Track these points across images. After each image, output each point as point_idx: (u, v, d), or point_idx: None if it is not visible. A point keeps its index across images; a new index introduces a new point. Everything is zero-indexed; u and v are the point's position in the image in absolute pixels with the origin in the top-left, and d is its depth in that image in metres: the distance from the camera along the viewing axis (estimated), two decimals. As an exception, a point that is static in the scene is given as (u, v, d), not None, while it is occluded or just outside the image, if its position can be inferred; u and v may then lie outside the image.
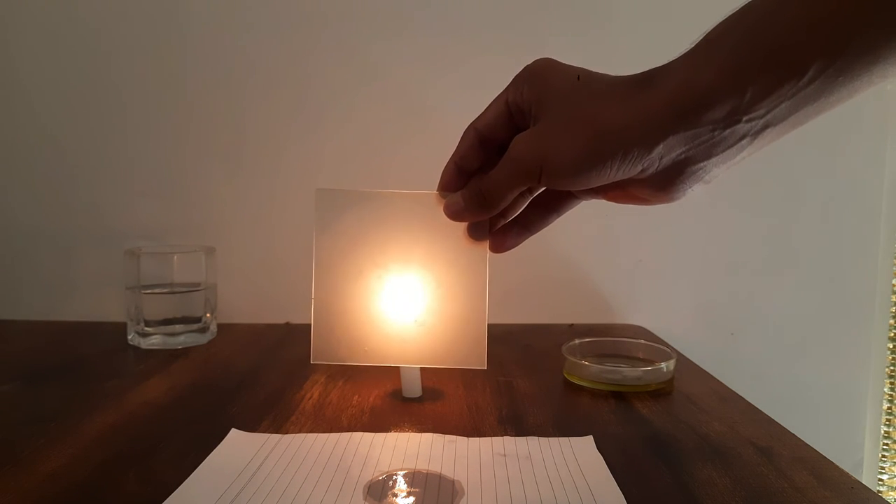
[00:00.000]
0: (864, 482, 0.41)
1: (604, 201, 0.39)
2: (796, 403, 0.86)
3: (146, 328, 0.69)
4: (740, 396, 0.56)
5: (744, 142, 0.31)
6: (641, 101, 0.31)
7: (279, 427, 0.48)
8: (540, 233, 0.42)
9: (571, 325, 0.83)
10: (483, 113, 0.39)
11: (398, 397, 0.54)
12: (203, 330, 0.72)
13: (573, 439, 0.45)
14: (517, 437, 0.46)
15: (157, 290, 0.70)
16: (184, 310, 0.71)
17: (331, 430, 0.47)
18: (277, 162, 0.83)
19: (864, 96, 0.29)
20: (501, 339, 0.73)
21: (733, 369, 0.71)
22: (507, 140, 0.36)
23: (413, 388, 0.54)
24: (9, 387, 0.57)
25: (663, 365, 0.57)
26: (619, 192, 0.37)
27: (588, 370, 0.57)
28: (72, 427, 0.47)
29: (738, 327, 0.86)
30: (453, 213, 0.40)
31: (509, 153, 0.36)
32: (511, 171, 0.35)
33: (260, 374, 0.61)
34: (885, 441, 0.87)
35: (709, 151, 0.31)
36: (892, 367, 0.87)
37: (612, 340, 0.65)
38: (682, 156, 0.32)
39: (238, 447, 0.43)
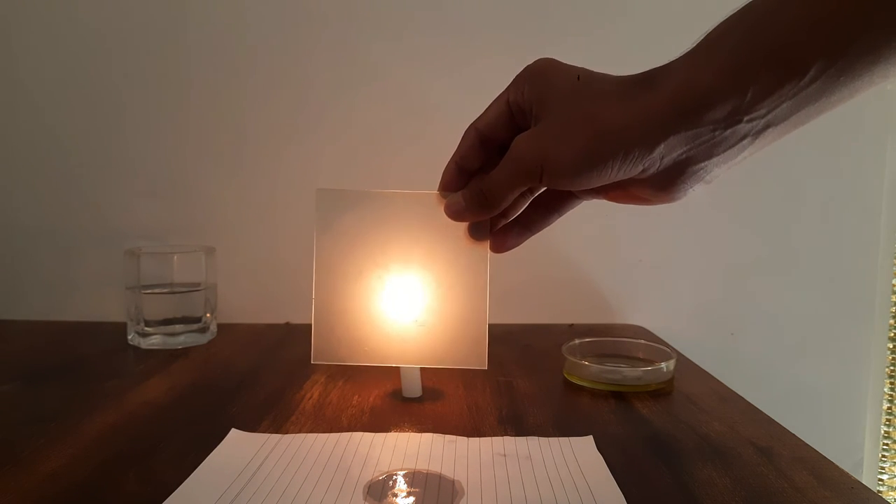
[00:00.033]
0: (864, 482, 0.41)
1: (604, 201, 0.39)
2: (796, 403, 0.86)
3: (146, 328, 0.69)
4: (740, 396, 0.56)
5: (745, 142, 0.31)
6: (642, 101, 0.31)
7: (279, 427, 0.48)
8: (540, 232, 0.42)
9: (571, 325, 0.83)
10: (484, 113, 0.39)
11: (398, 397, 0.54)
12: (203, 330, 0.72)
13: (573, 439, 0.45)
14: (517, 437, 0.46)
15: (157, 290, 0.70)
16: (184, 310, 0.71)
17: (331, 430, 0.47)
18: (278, 162, 0.83)
19: (864, 96, 0.29)
20: (501, 339, 0.73)
21: (733, 369, 0.71)
22: (507, 140, 0.36)
23: (413, 388, 0.54)
24: (9, 387, 0.57)
25: (663, 365, 0.57)
26: (620, 192, 0.37)
27: (588, 370, 0.57)
28: (72, 427, 0.47)
29: (738, 327, 0.86)
30: (454, 213, 0.40)
31: (510, 153, 0.36)
32: (512, 171, 0.35)
33: (260, 374, 0.61)
34: (885, 441, 0.87)
35: (710, 151, 0.31)
36: (892, 367, 0.87)
37: (612, 340, 0.65)
38: (684, 156, 0.32)
39: (238, 447, 0.43)
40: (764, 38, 0.28)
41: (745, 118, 0.30)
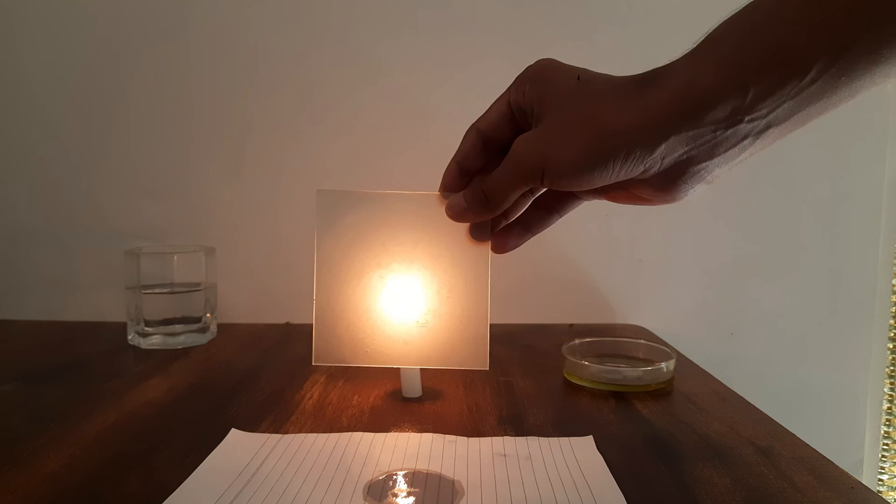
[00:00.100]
0: (864, 482, 0.41)
1: (605, 201, 0.39)
2: (796, 403, 0.86)
3: (146, 328, 0.69)
4: (740, 396, 0.56)
5: (746, 142, 0.31)
6: (643, 102, 0.31)
7: (279, 427, 0.48)
8: (541, 232, 0.42)
9: (571, 325, 0.83)
10: (485, 113, 0.39)
11: (398, 397, 0.54)
12: (203, 330, 0.72)
13: (573, 439, 0.45)
14: (517, 438, 0.46)
15: (157, 290, 0.70)
16: (184, 310, 0.71)
17: (331, 430, 0.47)
18: (279, 162, 0.83)
19: (864, 96, 0.29)
20: (501, 339, 0.73)
21: (733, 369, 0.71)
22: (509, 140, 0.36)
23: (413, 388, 0.54)
24: (9, 387, 0.57)
25: (663, 365, 0.57)
26: (622, 192, 0.37)
27: (588, 370, 0.57)
28: (72, 427, 0.47)
29: (738, 327, 0.86)
30: (455, 214, 0.40)
31: (511, 154, 0.36)
32: (513, 171, 0.35)
33: (260, 374, 0.61)
34: (885, 441, 0.87)
35: (711, 151, 0.31)
36: (892, 367, 0.87)
37: (612, 340, 0.65)
38: (685, 156, 0.32)
39: (238, 447, 0.43)
40: (765, 38, 0.28)
41: (747, 118, 0.30)
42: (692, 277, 0.86)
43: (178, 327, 0.70)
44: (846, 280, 0.86)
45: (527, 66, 0.37)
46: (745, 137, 0.31)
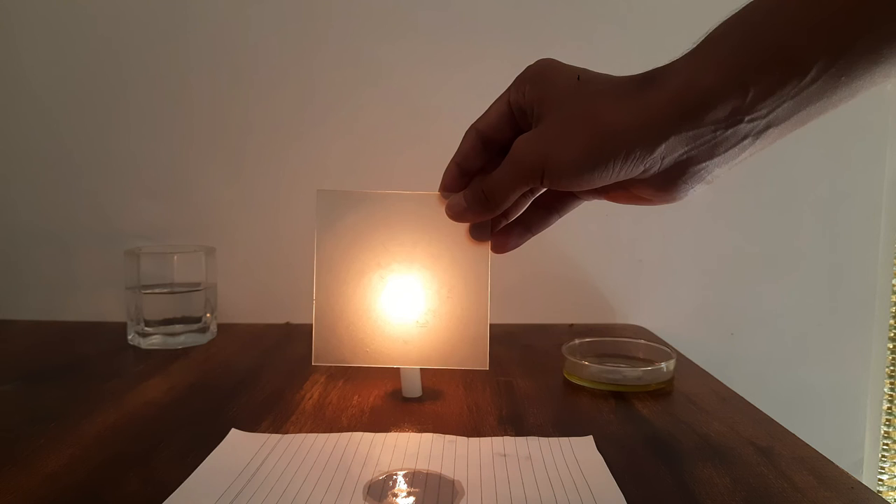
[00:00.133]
0: (864, 482, 0.41)
1: (605, 201, 0.39)
2: (796, 403, 0.86)
3: (146, 328, 0.69)
4: (740, 396, 0.56)
5: (746, 142, 0.31)
6: (644, 102, 0.31)
7: (279, 427, 0.48)
8: (541, 232, 0.42)
9: (571, 325, 0.83)
10: (485, 113, 0.39)
11: (398, 397, 0.54)
12: (203, 330, 0.72)
13: (573, 439, 0.45)
14: (517, 438, 0.46)
15: (157, 290, 0.70)
16: (184, 310, 0.71)
17: (331, 430, 0.47)
18: (279, 162, 0.83)
19: (864, 96, 0.29)
20: (501, 339, 0.73)
21: (733, 369, 0.71)
22: (509, 141, 0.36)
23: (413, 388, 0.54)
24: (9, 387, 0.57)
25: (663, 365, 0.57)
26: (622, 192, 0.37)
27: (588, 370, 0.57)
28: (72, 427, 0.47)
29: (738, 327, 0.86)
30: (455, 214, 0.40)
31: (511, 154, 0.36)
32: (513, 172, 0.35)
33: (260, 374, 0.61)
34: (885, 441, 0.87)
35: (711, 151, 0.31)
36: (892, 367, 0.87)
37: (612, 340, 0.65)
38: (685, 156, 0.32)
39: (238, 447, 0.43)
40: (765, 38, 0.28)
41: (746, 118, 0.30)
42: (692, 277, 0.86)
43: (178, 327, 0.70)
44: (846, 280, 0.86)
45: (527, 66, 0.37)
46: (744, 137, 0.31)
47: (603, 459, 0.42)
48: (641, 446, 0.45)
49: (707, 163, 0.32)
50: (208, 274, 0.73)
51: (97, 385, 0.57)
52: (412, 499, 0.37)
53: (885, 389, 0.87)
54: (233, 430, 0.46)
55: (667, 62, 0.32)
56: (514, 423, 0.49)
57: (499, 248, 0.42)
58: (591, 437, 0.45)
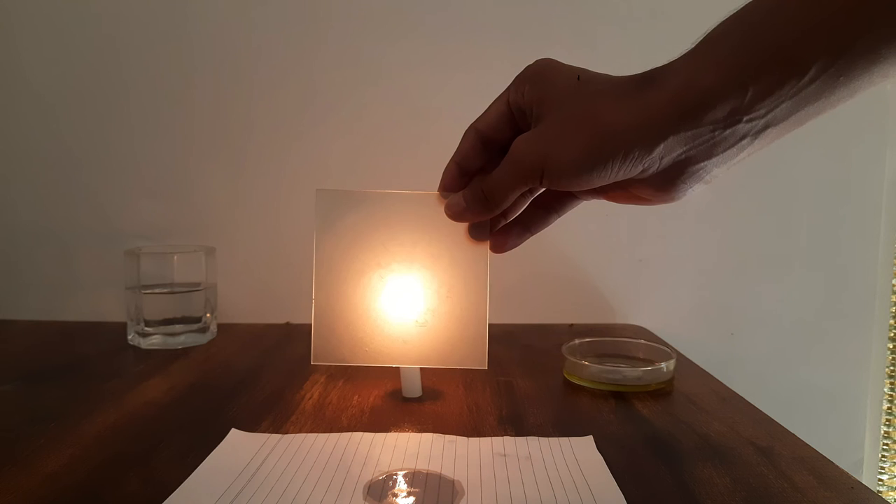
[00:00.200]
0: (864, 482, 0.41)
1: (604, 201, 0.39)
2: (796, 403, 0.86)
3: (146, 328, 0.69)
4: (740, 396, 0.56)
5: (744, 142, 0.31)
6: (643, 102, 0.31)
7: (279, 427, 0.48)
8: (540, 232, 0.42)
9: (571, 325, 0.83)
10: (484, 113, 0.39)
11: (398, 397, 0.54)
12: (203, 330, 0.72)
13: (573, 439, 0.45)
14: (517, 437, 0.46)
15: (157, 290, 0.70)
16: (184, 310, 0.71)
17: (331, 430, 0.47)
18: (279, 162, 0.83)
19: (864, 96, 0.29)
20: (501, 339, 0.73)
21: (733, 369, 0.71)
22: (508, 140, 0.36)
23: (413, 387, 0.54)
24: (9, 387, 0.57)
25: (663, 365, 0.57)
26: (621, 192, 0.37)
27: (588, 370, 0.57)
28: (72, 427, 0.47)
29: (738, 327, 0.86)
30: (455, 214, 0.40)
31: (510, 154, 0.36)
32: (512, 171, 0.35)
33: (260, 374, 0.61)
34: (885, 441, 0.87)
35: (709, 151, 0.31)
36: (892, 367, 0.87)
37: (612, 340, 0.65)
38: (683, 156, 0.32)
39: (238, 447, 0.43)
40: (764, 38, 0.28)
41: (745, 118, 0.30)
42: (692, 277, 0.86)
43: (178, 327, 0.70)
44: (846, 280, 0.86)
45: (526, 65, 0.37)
46: (743, 137, 0.31)
47: (603, 459, 0.42)
48: (641, 446, 0.45)
49: (705, 163, 0.32)
50: (208, 274, 0.73)
51: (97, 385, 0.57)
52: (412, 499, 0.37)
53: (885, 389, 0.87)
54: (233, 430, 0.46)
55: (666, 62, 0.32)
56: (514, 423, 0.49)
57: (498, 248, 0.42)
58: (591, 437, 0.45)
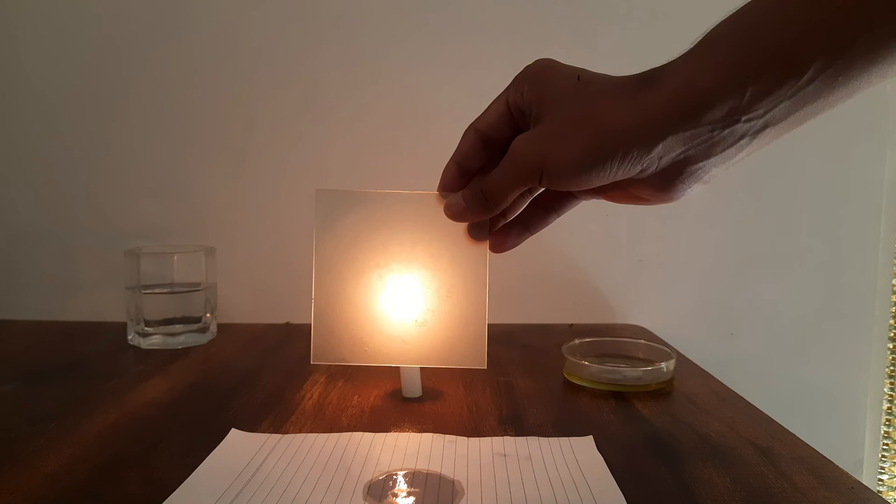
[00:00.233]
0: (864, 482, 0.41)
1: (604, 201, 0.39)
2: (796, 403, 0.86)
3: (146, 328, 0.69)
4: (740, 396, 0.56)
5: (743, 141, 0.31)
6: (642, 102, 0.31)
7: (279, 427, 0.48)
8: (540, 232, 0.42)
9: (571, 325, 0.83)
10: (483, 113, 0.39)
11: (398, 397, 0.54)
12: (203, 330, 0.72)
13: (573, 439, 0.45)
14: (517, 437, 0.46)
15: (157, 290, 0.70)
16: (184, 310, 0.71)
17: (331, 430, 0.47)
18: (279, 162, 0.83)
19: (864, 96, 0.29)
20: (501, 338, 0.73)
21: (733, 369, 0.71)
22: (507, 140, 0.36)
23: (413, 388, 0.54)
24: (9, 387, 0.57)
25: (663, 365, 0.57)
26: (619, 192, 0.37)
27: (588, 370, 0.57)
28: (72, 427, 0.47)
29: (738, 327, 0.86)
30: (454, 214, 0.41)
31: (510, 154, 0.36)
32: (512, 171, 0.35)
33: (260, 374, 0.61)
34: (885, 441, 0.87)
35: (708, 151, 0.31)
36: (892, 367, 0.87)
37: (612, 340, 0.65)
38: (682, 156, 0.32)
39: (238, 447, 0.43)
40: (763, 38, 0.28)
41: (743, 118, 0.30)
42: (692, 277, 0.86)
43: (178, 327, 0.70)
44: (846, 280, 0.86)
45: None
46: (741, 137, 0.31)
47: (603, 459, 0.42)
48: (641, 446, 0.45)
49: (704, 162, 0.32)
50: (208, 274, 0.73)
51: (97, 385, 0.57)
52: (412, 499, 0.37)
53: (885, 389, 0.87)
54: (233, 430, 0.46)
55: (666, 62, 0.32)
56: (514, 423, 0.49)
57: (497, 248, 0.42)
58: (591, 437, 0.45)
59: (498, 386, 0.58)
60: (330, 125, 0.83)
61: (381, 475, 0.40)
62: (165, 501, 0.36)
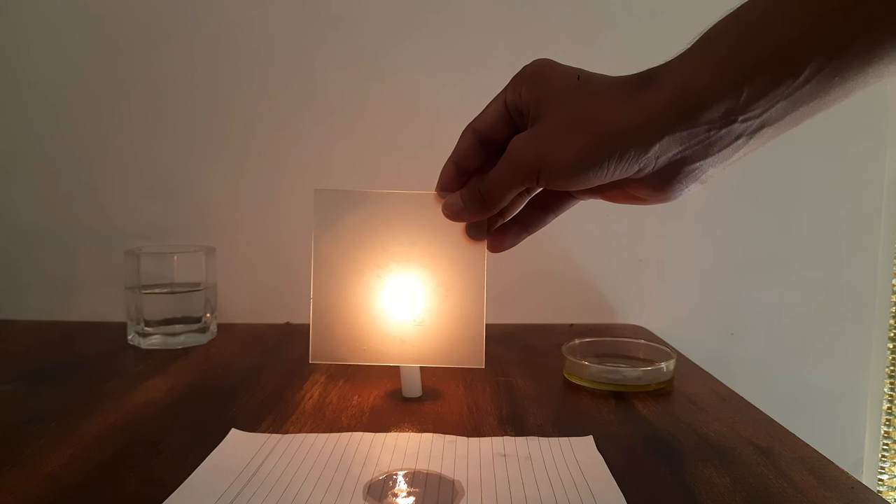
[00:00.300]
0: (864, 482, 0.41)
1: (603, 201, 0.39)
2: (796, 403, 0.86)
3: (146, 328, 0.69)
4: (740, 396, 0.56)
5: (739, 141, 0.31)
6: (640, 102, 0.31)
7: (279, 427, 0.48)
8: (540, 232, 0.42)
9: (571, 325, 0.83)
10: (481, 113, 0.39)
11: (398, 397, 0.54)
12: (203, 330, 0.72)
13: (573, 439, 0.45)
14: (517, 437, 0.46)
15: (157, 290, 0.70)
16: (184, 310, 0.71)
17: (331, 430, 0.47)
18: (278, 162, 0.83)
19: (863, 96, 0.29)
20: (501, 339, 0.73)
21: (733, 369, 0.71)
22: (505, 140, 0.36)
23: (413, 387, 0.54)
24: (9, 387, 0.57)
25: (663, 365, 0.57)
26: (617, 191, 0.37)
27: (588, 370, 0.57)
28: (72, 427, 0.47)
29: (738, 327, 0.86)
30: (452, 214, 0.41)
31: (508, 154, 0.36)
32: (510, 171, 0.35)
33: (260, 374, 0.61)
34: (885, 441, 0.87)
35: (705, 151, 0.31)
36: (892, 367, 0.87)
37: (612, 340, 0.65)
38: (679, 156, 0.32)
39: (238, 447, 0.43)
40: (761, 38, 0.28)
41: (740, 118, 0.30)
42: (692, 277, 0.86)
43: (178, 327, 0.70)
44: (846, 280, 0.86)
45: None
46: (738, 137, 0.31)
47: (603, 459, 0.42)
48: (641, 446, 0.45)
49: (701, 162, 0.32)
50: (208, 274, 0.73)
51: (97, 385, 0.57)
52: (412, 499, 0.37)
53: (885, 389, 0.87)
54: (233, 430, 0.46)
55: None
56: (514, 423, 0.49)
57: (495, 248, 0.42)
58: (591, 437, 0.45)
59: (498, 386, 0.58)
60: (330, 125, 0.83)
61: (381, 475, 0.40)
62: (165, 501, 0.36)
